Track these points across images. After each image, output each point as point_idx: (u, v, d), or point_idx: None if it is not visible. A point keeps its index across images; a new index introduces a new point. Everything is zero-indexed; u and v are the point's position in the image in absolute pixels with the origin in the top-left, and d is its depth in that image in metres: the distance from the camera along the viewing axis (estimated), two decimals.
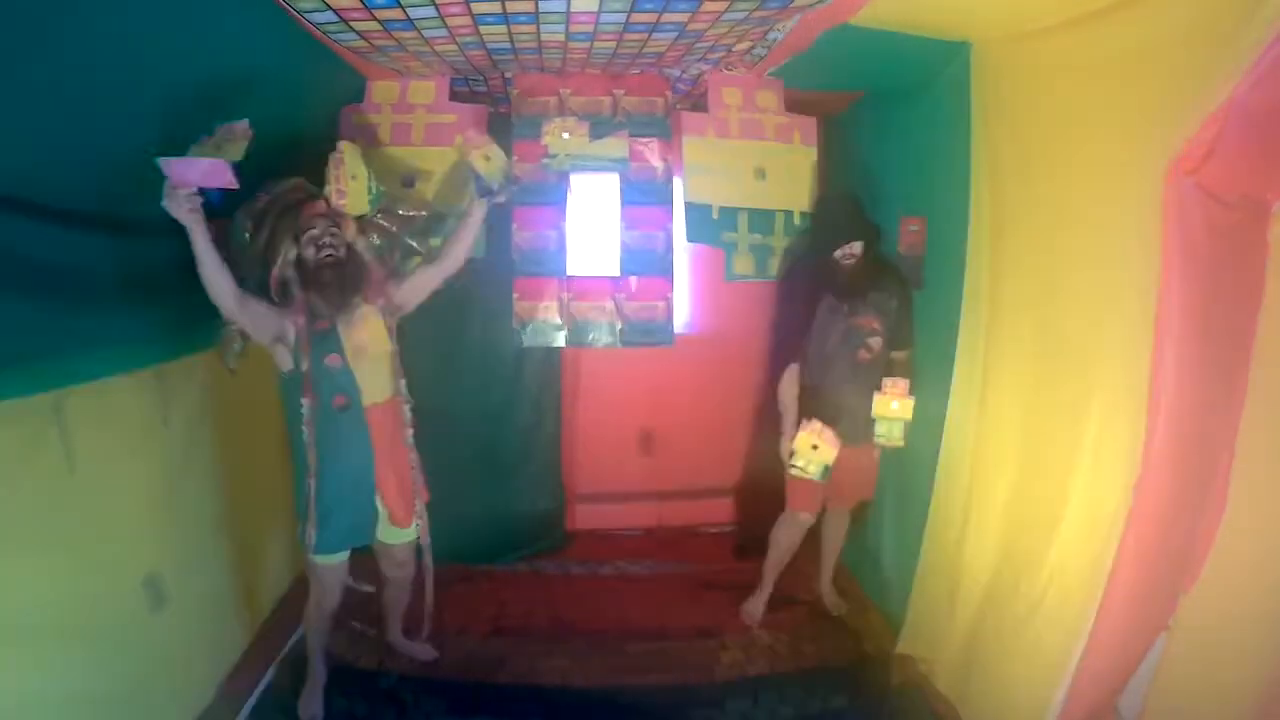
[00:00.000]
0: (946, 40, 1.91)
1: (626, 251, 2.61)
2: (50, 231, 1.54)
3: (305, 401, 1.89)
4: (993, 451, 1.93)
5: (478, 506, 3.01)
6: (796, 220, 2.59)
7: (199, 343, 2.13)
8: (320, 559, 2.01)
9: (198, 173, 1.58)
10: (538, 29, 1.93)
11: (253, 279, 1.90)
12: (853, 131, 2.76)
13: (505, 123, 2.53)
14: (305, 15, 1.69)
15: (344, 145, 2.02)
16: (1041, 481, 1.74)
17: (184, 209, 1.62)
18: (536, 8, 1.75)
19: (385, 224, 2.18)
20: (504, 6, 1.73)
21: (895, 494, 2.51)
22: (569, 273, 2.60)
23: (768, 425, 2.63)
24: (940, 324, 2.13)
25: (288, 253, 1.91)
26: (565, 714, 2.21)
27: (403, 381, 2.07)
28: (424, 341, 2.81)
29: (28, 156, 1.41)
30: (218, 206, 1.71)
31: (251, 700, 2.16)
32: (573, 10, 1.79)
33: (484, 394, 3.00)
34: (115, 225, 1.77)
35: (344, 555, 2.07)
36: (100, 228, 1.70)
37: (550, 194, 2.55)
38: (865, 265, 2.28)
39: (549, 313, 2.63)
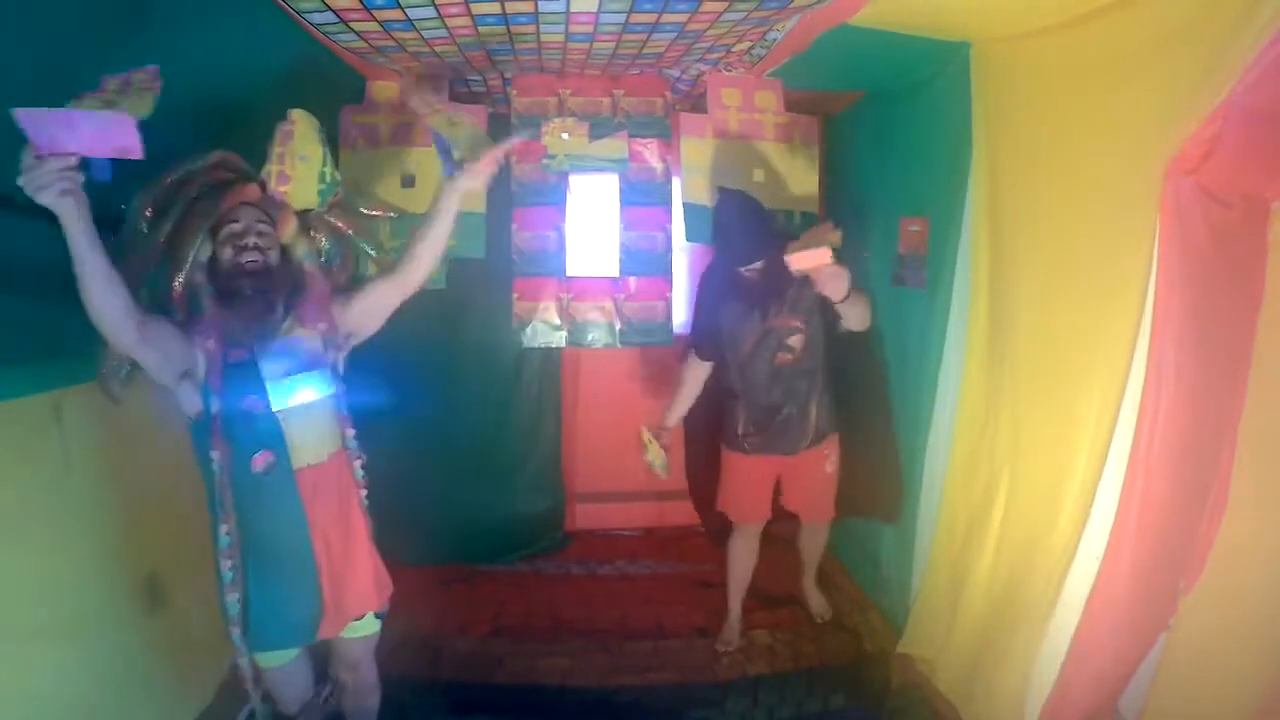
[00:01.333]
0: (946, 40, 1.91)
1: (626, 252, 2.61)
2: (50, 231, 1.54)
3: (215, 455, 1.42)
4: (995, 450, 1.93)
5: (477, 506, 3.01)
6: (797, 220, 2.58)
7: None
8: (262, 660, 1.61)
9: (82, 133, 1.08)
10: (537, 30, 1.93)
11: (148, 285, 1.42)
12: (853, 131, 2.76)
13: (505, 123, 2.53)
14: (305, 15, 1.70)
15: (296, 115, 1.57)
16: (1042, 480, 1.73)
17: (53, 188, 1.11)
18: (536, 8, 1.75)
19: (338, 223, 1.67)
20: (504, 7, 1.73)
21: None
22: (568, 273, 2.61)
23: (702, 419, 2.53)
24: (940, 324, 2.13)
25: (199, 252, 1.44)
26: (564, 714, 2.21)
27: (350, 432, 1.61)
28: (423, 341, 2.82)
29: None
30: (106, 185, 1.20)
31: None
32: (572, 11, 1.79)
33: (484, 394, 3.01)
34: (115, 225, 1.77)
35: (291, 653, 1.67)
36: (100, 228, 1.70)
37: (550, 194, 2.56)
38: (774, 268, 2.00)
39: (549, 313, 2.64)
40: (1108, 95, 1.51)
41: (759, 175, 2.52)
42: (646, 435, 2.31)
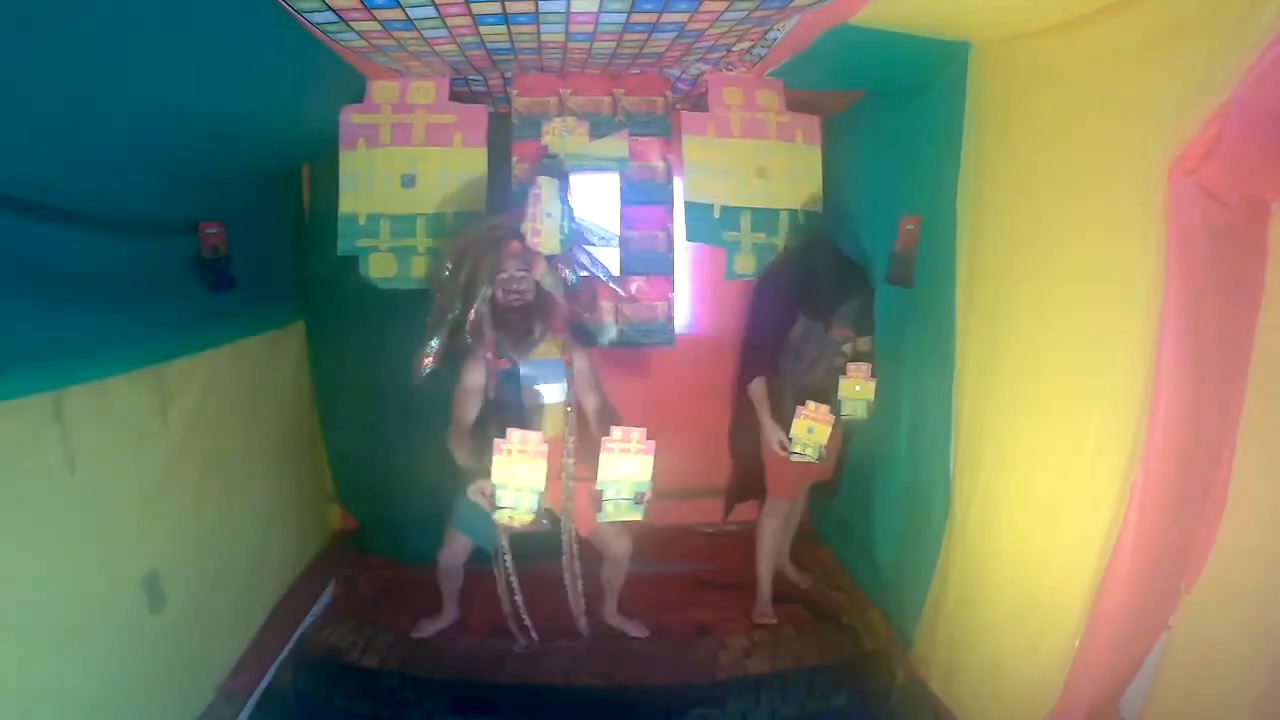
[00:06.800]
0: (946, 40, 1.91)
1: (626, 251, 2.61)
2: (50, 231, 1.54)
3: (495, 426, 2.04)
4: (991, 450, 1.93)
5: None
6: (800, 219, 2.59)
7: (198, 343, 2.13)
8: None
9: None
10: (538, 29, 1.93)
11: (452, 314, 2.08)
12: (852, 131, 2.76)
13: (505, 123, 2.53)
14: (305, 15, 1.69)
15: (542, 181, 2.04)
16: (1041, 480, 1.74)
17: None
18: (536, 8, 1.75)
19: (579, 260, 2.20)
20: (504, 6, 1.73)
21: (894, 492, 2.51)
22: None
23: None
24: (940, 323, 2.13)
25: (485, 291, 2.05)
26: (565, 714, 2.21)
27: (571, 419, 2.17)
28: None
29: (28, 156, 1.41)
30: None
31: (251, 700, 2.16)
32: (573, 10, 1.79)
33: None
34: (115, 225, 1.77)
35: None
36: (100, 228, 1.71)
37: None
38: (836, 286, 2.37)
39: None
40: (1108, 95, 1.51)
41: (761, 174, 2.52)
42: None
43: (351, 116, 2.40)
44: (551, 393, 2.16)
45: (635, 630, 2.53)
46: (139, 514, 1.84)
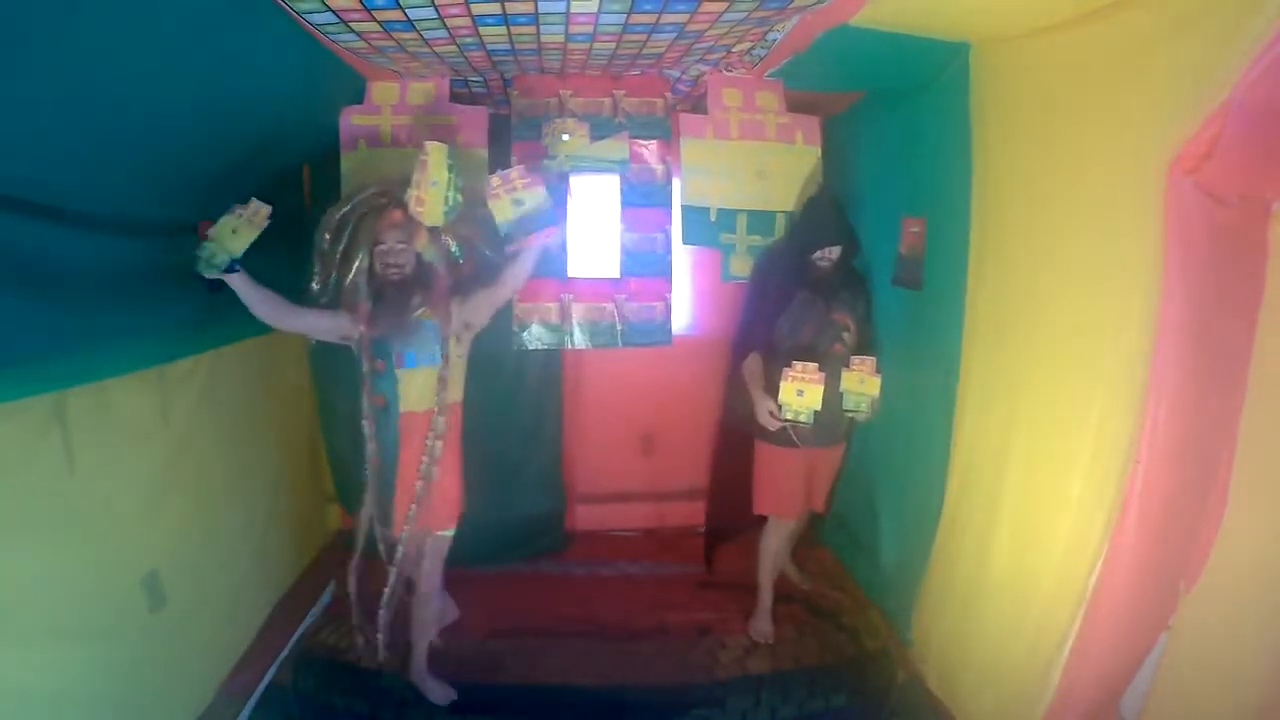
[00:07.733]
0: (946, 41, 1.91)
1: (626, 253, 2.61)
2: (50, 231, 1.54)
3: (365, 398, 2.05)
4: (993, 449, 1.93)
5: (478, 508, 3.00)
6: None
7: (198, 343, 2.14)
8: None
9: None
10: (537, 30, 1.93)
11: (327, 281, 1.99)
12: (853, 132, 2.76)
13: (505, 124, 2.53)
14: (305, 16, 1.70)
15: (430, 147, 1.91)
16: (1040, 479, 1.74)
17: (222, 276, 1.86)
18: (536, 9, 1.75)
19: (463, 232, 2.07)
20: (504, 7, 1.73)
21: (894, 492, 2.51)
22: (569, 274, 2.61)
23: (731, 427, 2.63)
24: (941, 323, 2.13)
25: (361, 261, 1.96)
26: (565, 714, 2.21)
27: (456, 395, 2.15)
28: None
29: (29, 157, 1.41)
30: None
31: (251, 700, 2.16)
32: (572, 11, 1.79)
33: (484, 396, 3.00)
34: (115, 225, 1.77)
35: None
36: (100, 228, 1.71)
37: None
38: (839, 268, 2.38)
39: (549, 314, 2.64)
40: (1108, 95, 1.51)
41: (761, 176, 2.52)
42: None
43: (352, 117, 2.40)
44: (422, 356, 2.05)
45: (438, 696, 2.23)
46: (139, 514, 1.84)
